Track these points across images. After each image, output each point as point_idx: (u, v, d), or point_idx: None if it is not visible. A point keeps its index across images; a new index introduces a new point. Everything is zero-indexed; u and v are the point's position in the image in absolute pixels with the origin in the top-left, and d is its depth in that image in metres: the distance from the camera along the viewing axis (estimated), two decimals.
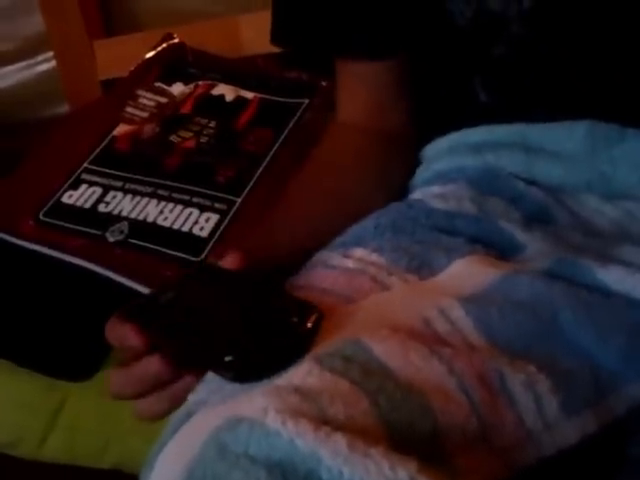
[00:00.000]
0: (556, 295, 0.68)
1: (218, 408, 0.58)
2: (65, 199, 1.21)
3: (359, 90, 0.94)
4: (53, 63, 1.62)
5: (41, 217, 1.19)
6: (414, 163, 0.93)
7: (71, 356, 1.16)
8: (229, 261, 0.72)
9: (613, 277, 0.70)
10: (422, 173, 0.91)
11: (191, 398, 0.63)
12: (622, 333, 0.66)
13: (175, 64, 1.42)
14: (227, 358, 0.60)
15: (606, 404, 0.64)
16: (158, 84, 1.38)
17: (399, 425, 0.56)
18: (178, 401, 0.65)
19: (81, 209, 1.20)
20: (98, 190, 1.22)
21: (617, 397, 0.64)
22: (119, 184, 1.22)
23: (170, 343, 0.65)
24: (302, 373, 0.58)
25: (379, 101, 0.93)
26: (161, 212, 1.17)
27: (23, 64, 1.65)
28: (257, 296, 0.67)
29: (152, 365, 0.66)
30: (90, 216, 1.18)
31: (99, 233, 1.16)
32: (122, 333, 0.67)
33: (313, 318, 0.63)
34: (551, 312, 0.67)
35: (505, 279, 0.70)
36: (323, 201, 0.86)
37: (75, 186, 1.23)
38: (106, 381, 1.13)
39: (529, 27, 0.82)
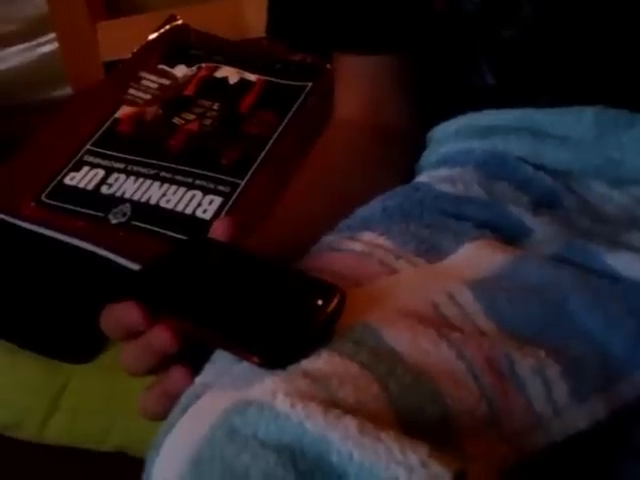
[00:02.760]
0: (565, 280, 0.68)
1: (226, 390, 0.58)
2: (67, 181, 1.21)
3: (356, 85, 0.93)
4: (55, 45, 1.62)
5: (43, 199, 1.19)
6: (414, 157, 0.93)
7: (73, 338, 1.16)
8: (218, 226, 0.71)
9: (622, 262, 0.69)
10: (429, 156, 0.91)
11: (198, 380, 0.62)
12: (632, 319, 0.66)
13: (178, 46, 1.42)
14: (257, 344, 0.59)
15: (615, 390, 0.64)
16: (161, 66, 1.38)
17: (409, 409, 0.56)
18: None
19: (83, 191, 1.20)
20: (101, 172, 1.22)
21: (626, 383, 0.64)
22: (122, 166, 1.22)
23: (184, 325, 0.64)
24: (311, 356, 0.58)
25: (376, 96, 0.93)
26: (164, 194, 1.17)
27: (25, 46, 1.65)
28: (271, 275, 0.66)
29: (158, 336, 0.64)
30: (92, 198, 1.18)
31: (101, 215, 1.16)
32: (125, 315, 0.66)
33: (336, 299, 0.61)
34: (560, 297, 0.66)
35: (514, 264, 0.69)
36: (323, 198, 0.85)
37: (77, 168, 1.23)
38: (110, 362, 1.14)
39: (541, 10, 0.82)
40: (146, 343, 0.65)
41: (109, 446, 1.15)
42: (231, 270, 0.67)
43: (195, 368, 0.64)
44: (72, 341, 1.16)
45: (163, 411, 0.64)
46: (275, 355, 0.58)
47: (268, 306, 0.63)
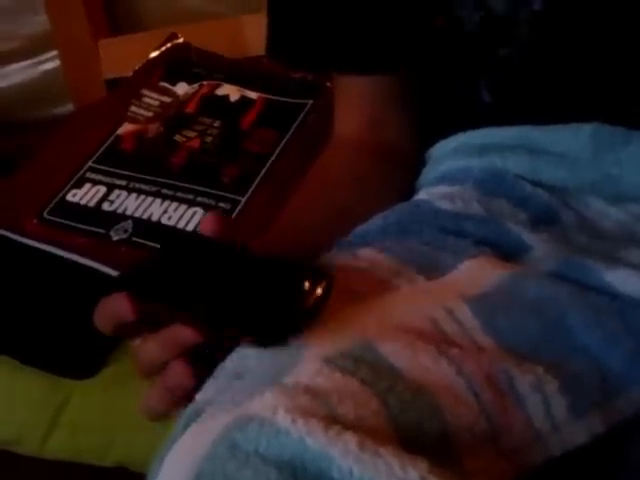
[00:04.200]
0: (564, 296, 0.68)
1: (227, 407, 0.58)
2: (69, 198, 1.22)
3: (355, 104, 0.94)
4: (57, 62, 1.62)
5: (45, 215, 1.19)
6: (413, 177, 0.93)
7: (75, 354, 1.16)
8: (206, 222, 0.71)
9: (621, 279, 0.70)
10: (428, 173, 0.91)
11: (199, 396, 0.62)
12: (630, 335, 0.66)
13: (179, 64, 1.43)
14: (251, 325, 0.61)
15: (613, 405, 0.64)
16: (162, 84, 1.39)
17: (408, 425, 0.56)
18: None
19: (85, 208, 1.20)
20: (102, 189, 1.22)
21: (624, 399, 0.65)
22: (123, 183, 1.22)
23: (178, 315, 0.65)
24: (311, 373, 0.58)
25: (375, 116, 0.93)
26: (165, 211, 1.18)
27: (27, 63, 1.65)
28: (260, 263, 0.67)
29: (182, 331, 0.65)
30: (94, 215, 1.19)
31: (103, 232, 1.16)
32: (115, 306, 0.66)
33: (325, 282, 0.64)
34: (559, 313, 0.67)
35: (513, 280, 0.70)
36: (323, 213, 0.85)
37: (79, 185, 1.23)
38: (110, 378, 1.14)
39: (538, 29, 0.82)
40: (169, 337, 0.65)
41: (109, 461, 1.15)
42: (219, 261, 0.68)
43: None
44: (73, 357, 1.17)
45: (164, 408, 0.65)
46: (268, 333, 0.61)
47: (259, 289, 0.64)
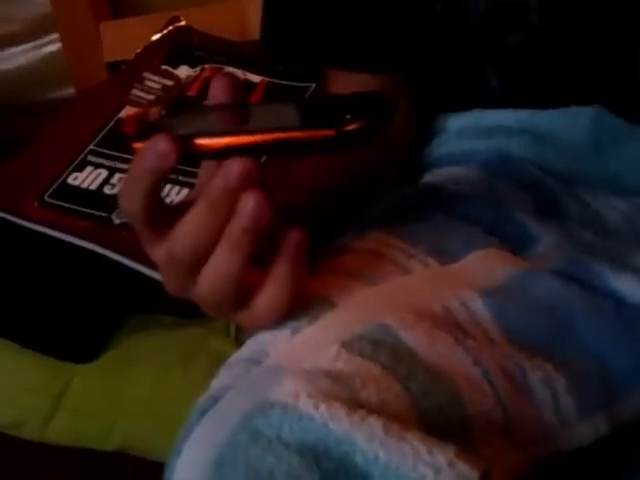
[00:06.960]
0: (573, 297, 0.67)
1: (246, 393, 0.57)
2: (70, 181, 1.21)
3: None
4: (59, 45, 1.61)
5: (46, 199, 1.18)
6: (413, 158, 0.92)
7: (76, 338, 1.16)
8: (217, 84, 0.63)
9: (627, 286, 0.69)
10: (432, 153, 0.91)
11: (215, 383, 0.62)
12: (636, 343, 0.66)
13: (181, 47, 1.42)
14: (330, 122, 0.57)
15: (618, 408, 0.64)
16: (164, 67, 1.38)
17: (430, 411, 0.56)
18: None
19: (87, 191, 1.19)
20: (104, 172, 1.21)
21: (629, 402, 0.65)
22: (125, 166, 1.21)
23: (234, 139, 0.57)
24: (331, 357, 0.58)
25: None
26: (167, 194, 1.17)
27: (29, 46, 1.64)
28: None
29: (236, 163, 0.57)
30: (96, 198, 1.18)
31: (105, 215, 1.15)
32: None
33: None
34: (567, 313, 0.66)
35: (523, 276, 0.69)
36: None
37: (80, 168, 1.22)
38: (112, 362, 1.14)
39: (548, 16, 0.82)
40: (217, 190, 0.58)
41: (111, 446, 1.15)
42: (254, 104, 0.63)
43: None
44: (75, 341, 1.16)
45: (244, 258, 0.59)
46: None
47: (316, 105, 0.61)
